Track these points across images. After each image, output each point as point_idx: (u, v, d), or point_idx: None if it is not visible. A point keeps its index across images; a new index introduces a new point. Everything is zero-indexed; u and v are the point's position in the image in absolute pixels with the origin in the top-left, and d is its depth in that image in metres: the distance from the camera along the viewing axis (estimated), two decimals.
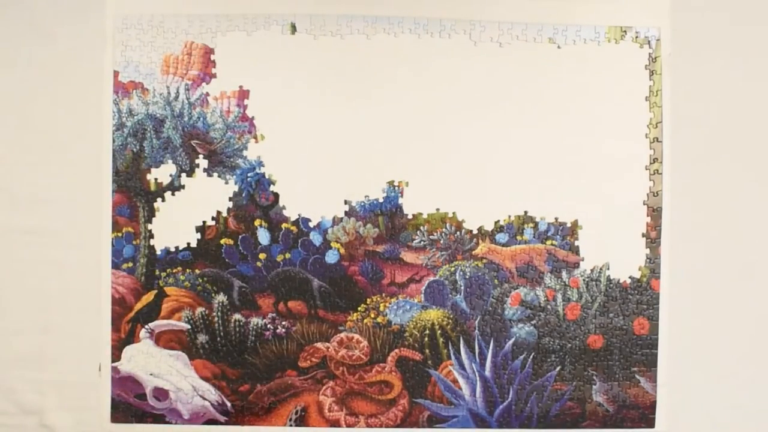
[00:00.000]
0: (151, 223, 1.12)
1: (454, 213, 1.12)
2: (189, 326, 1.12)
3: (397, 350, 1.13)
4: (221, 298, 1.12)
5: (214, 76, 1.11)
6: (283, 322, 1.12)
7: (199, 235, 1.12)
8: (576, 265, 1.13)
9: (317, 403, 1.12)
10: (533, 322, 1.13)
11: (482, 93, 1.10)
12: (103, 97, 1.11)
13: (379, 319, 1.12)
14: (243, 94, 1.11)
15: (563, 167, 1.13)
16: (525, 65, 1.12)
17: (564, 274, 1.13)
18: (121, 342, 1.12)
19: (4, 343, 1.13)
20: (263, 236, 1.12)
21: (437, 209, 1.12)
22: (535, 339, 1.13)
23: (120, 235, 1.11)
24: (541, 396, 1.13)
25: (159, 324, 1.12)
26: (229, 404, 1.12)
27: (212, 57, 1.11)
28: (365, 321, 1.12)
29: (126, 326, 1.12)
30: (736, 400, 1.14)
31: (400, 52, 1.12)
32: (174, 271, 1.12)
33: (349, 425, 1.12)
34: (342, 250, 1.12)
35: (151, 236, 1.12)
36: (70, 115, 1.11)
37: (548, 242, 1.13)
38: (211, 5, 1.11)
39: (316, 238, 1.12)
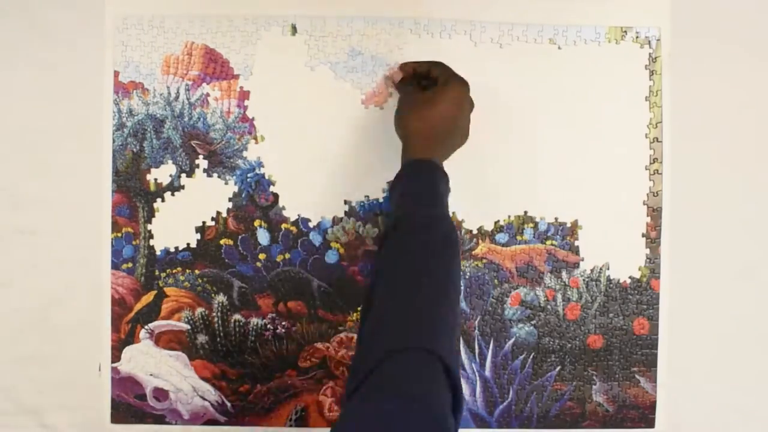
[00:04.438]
0: (150, 223, 1.12)
1: (453, 213, 1.12)
2: (189, 327, 1.12)
3: None
4: (221, 298, 1.12)
5: (214, 76, 1.11)
6: (283, 323, 1.12)
7: (198, 236, 1.12)
8: (576, 265, 1.13)
9: (317, 403, 1.12)
10: (533, 322, 1.13)
11: (482, 93, 1.10)
12: (103, 98, 1.11)
13: None
14: (243, 94, 1.11)
15: (563, 167, 1.13)
16: (525, 66, 1.12)
17: (564, 274, 1.13)
18: (120, 342, 1.12)
19: (3, 343, 1.13)
20: (263, 236, 1.12)
21: None
22: (535, 339, 1.13)
23: (119, 235, 1.11)
24: (541, 396, 1.13)
25: (159, 324, 1.12)
26: (229, 404, 1.12)
27: (213, 57, 1.11)
28: None
29: (126, 327, 1.12)
30: (736, 400, 1.14)
31: (401, 53, 1.12)
32: (174, 271, 1.12)
33: None
34: (342, 251, 1.12)
35: (151, 236, 1.12)
36: (70, 115, 1.11)
37: (548, 242, 1.13)
38: (211, 6, 1.11)
39: (315, 239, 1.12)
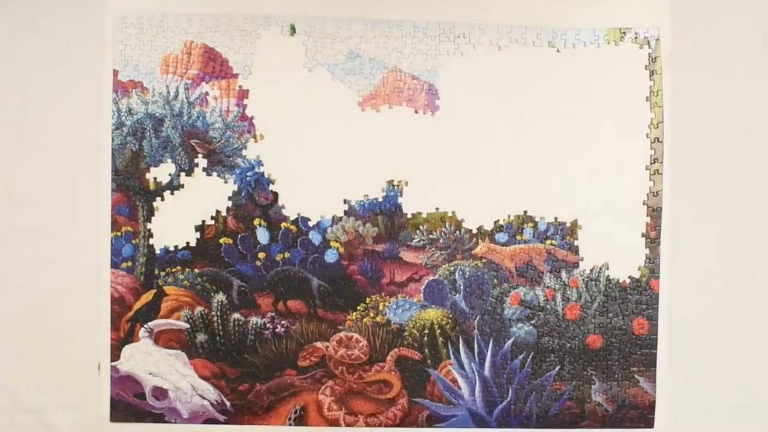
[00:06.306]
0: (150, 222, 1.12)
1: (453, 212, 1.12)
2: (188, 325, 1.12)
3: (396, 350, 1.13)
4: (220, 297, 1.12)
5: (213, 75, 1.11)
6: (283, 322, 1.12)
7: (198, 235, 1.12)
8: (575, 265, 1.13)
9: (316, 402, 1.12)
10: (532, 321, 1.13)
11: (482, 95, 1.10)
12: (102, 96, 1.11)
13: (378, 319, 1.12)
14: (242, 93, 1.11)
15: (563, 167, 1.13)
16: (524, 68, 1.12)
17: (563, 274, 1.13)
18: (120, 341, 1.12)
19: (3, 342, 1.13)
20: (262, 235, 1.12)
21: (437, 209, 1.12)
22: (534, 339, 1.13)
23: (119, 234, 1.12)
24: (540, 396, 1.13)
25: (158, 323, 1.12)
26: (228, 403, 1.12)
27: (212, 56, 1.11)
28: (364, 320, 1.12)
29: (125, 325, 1.12)
30: (736, 400, 1.14)
31: (399, 56, 1.12)
32: (173, 270, 1.12)
33: (348, 424, 1.12)
34: (341, 250, 1.12)
35: (151, 235, 1.12)
36: (70, 114, 1.11)
37: (548, 242, 1.13)
38: (210, 5, 1.11)
39: (315, 238, 1.12)
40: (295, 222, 1.12)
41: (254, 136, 1.11)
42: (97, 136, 1.11)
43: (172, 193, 1.12)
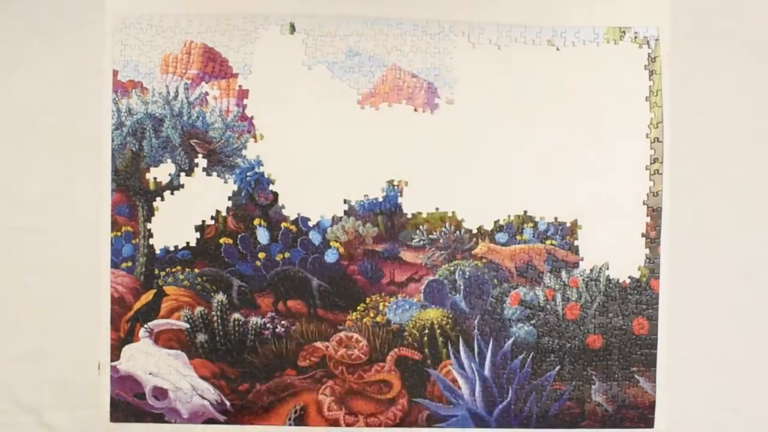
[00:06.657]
0: (150, 222, 1.12)
1: (453, 212, 1.12)
2: (188, 325, 1.12)
3: (396, 350, 1.13)
4: (220, 297, 1.12)
5: (213, 75, 1.11)
6: (283, 322, 1.12)
7: (198, 235, 1.12)
8: (575, 265, 1.13)
9: (316, 402, 1.12)
10: (532, 321, 1.13)
11: (481, 94, 1.10)
12: (102, 97, 1.11)
13: (378, 319, 1.12)
14: (242, 93, 1.11)
15: (563, 167, 1.13)
16: (524, 67, 1.11)
17: (563, 274, 1.13)
18: (120, 341, 1.12)
19: (3, 342, 1.13)
20: (262, 235, 1.12)
21: (437, 208, 1.12)
22: (534, 339, 1.13)
23: (119, 234, 1.11)
24: (541, 396, 1.13)
25: (158, 323, 1.12)
26: (228, 403, 1.12)
27: (211, 56, 1.11)
28: (364, 320, 1.12)
29: (125, 325, 1.12)
30: (736, 400, 1.14)
31: (399, 54, 1.12)
32: (173, 270, 1.12)
33: (348, 424, 1.12)
34: (341, 250, 1.12)
35: (151, 235, 1.12)
36: (70, 114, 1.11)
37: (548, 242, 1.13)
38: (210, 5, 1.11)
39: (315, 238, 1.12)
40: (295, 222, 1.12)
41: (254, 136, 1.11)
42: (97, 136, 1.11)
43: (172, 193, 1.12)
